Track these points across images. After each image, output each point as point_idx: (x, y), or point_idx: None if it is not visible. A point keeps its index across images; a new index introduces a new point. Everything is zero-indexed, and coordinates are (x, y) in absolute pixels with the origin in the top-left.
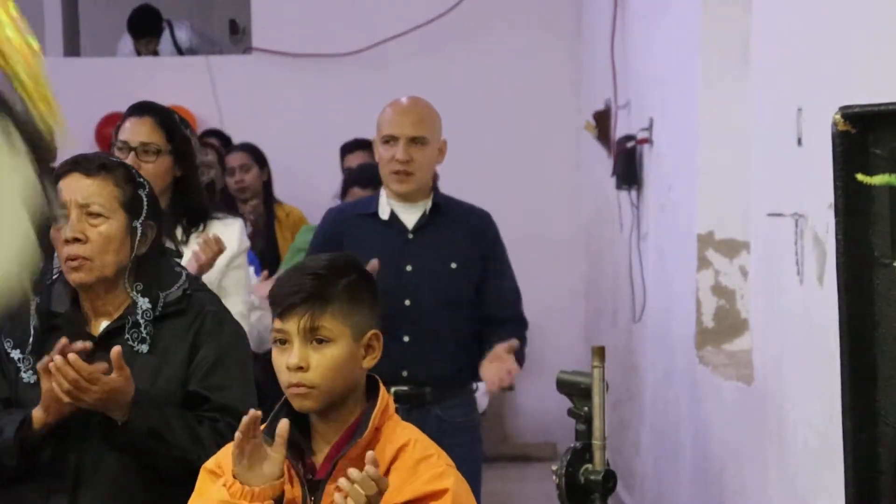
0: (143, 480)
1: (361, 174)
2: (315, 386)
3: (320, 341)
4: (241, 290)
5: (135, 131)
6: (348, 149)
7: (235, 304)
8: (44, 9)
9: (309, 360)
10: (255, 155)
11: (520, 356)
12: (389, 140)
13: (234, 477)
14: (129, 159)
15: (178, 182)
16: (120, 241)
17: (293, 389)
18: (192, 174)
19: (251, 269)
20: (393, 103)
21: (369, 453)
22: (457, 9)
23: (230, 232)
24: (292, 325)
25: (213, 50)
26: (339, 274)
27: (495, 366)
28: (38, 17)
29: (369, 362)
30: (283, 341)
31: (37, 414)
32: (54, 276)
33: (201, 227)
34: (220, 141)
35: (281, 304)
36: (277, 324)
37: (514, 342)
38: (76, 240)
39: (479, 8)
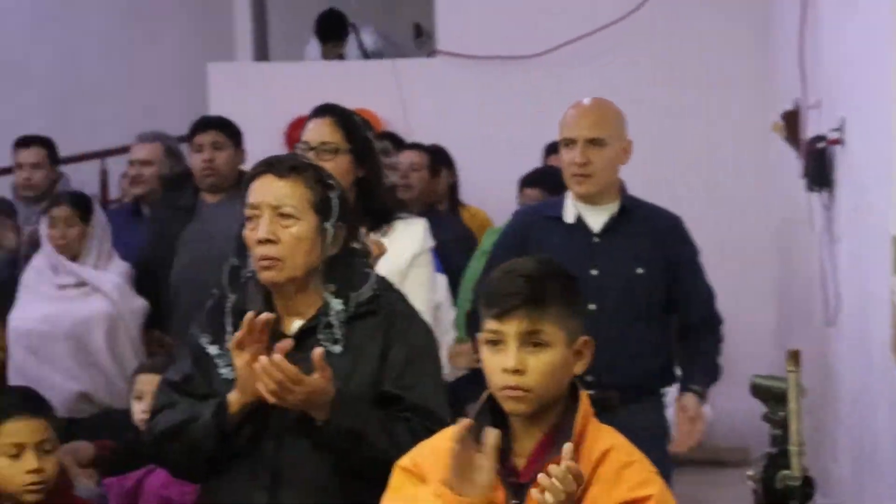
0: (341, 480)
1: (531, 175)
2: (530, 390)
3: (537, 345)
4: (423, 289)
5: (315, 132)
6: (553, 149)
7: (418, 303)
8: (234, 14)
9: (526, 363)
10: (440, 157)
11: (712, 370)
12: (568, 143)
13: (446, 485)
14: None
15: (361, 183)
16: (311, 242)
17: (508, 392)
18: (375, 175)
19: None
20: (573, 105)
21: (566, 445)
22: (641, 10)
23: (413, 231)
24: (510, 328)
25: (397, 53)
26: (553, 277)
27: (686, 429)
28: (228, 23)
29: (579, 368)
30: (496, 342)
31: (232, 397)
32: (248, 275)
33: (385, 228)
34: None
35: (498, 305)
36: (493, 325)
37: (701, 393)
38: (268, 241)
39: (663, 9)
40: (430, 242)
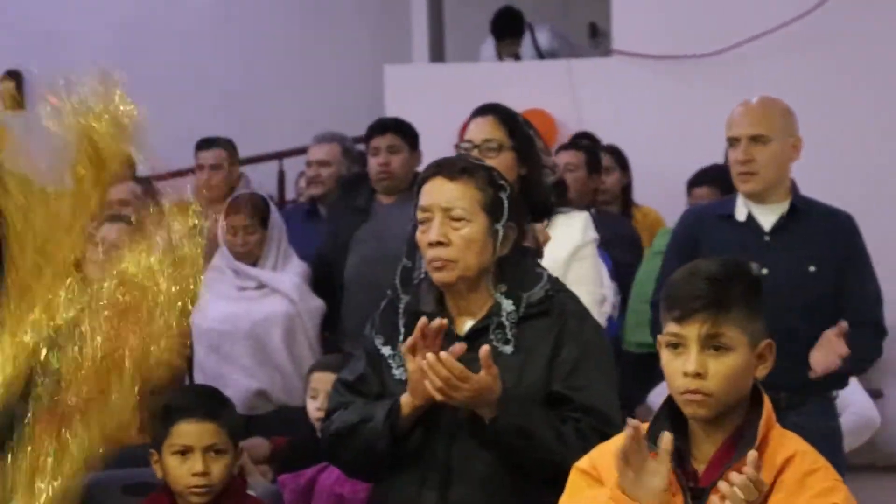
0: (511, 479)
1: (699, 175)
2: (711, 394)
3: (718, 348)
4: (587, 281)
5: (478, 130)
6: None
7: (582, 295)
8: (411, 16)
9: (707, 367)
10: (617, 157)
11: (857, 361)
12: (733, 141)
13: (620, 489)
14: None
15: (523, 180)
16: (482, 244)
17: (688, 396)
18: (537, 173)
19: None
20: (739, 104)
21: (751, 453)
22: (819, 8)
23: (573, 224)
24: (691, 331)
25: (572, 53)
26: (736, 279)
27: (823, 350)
28: (406, 24)
29: (761, 372)
30: (677, 345)
31: (405, 399)
32: (421, 276)
33: (545, 223)
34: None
35: (679, 308)
36: (673, 328)
37: (844, 324)
38: (439, 243)
39: (842, 7)
40: (593, 235)
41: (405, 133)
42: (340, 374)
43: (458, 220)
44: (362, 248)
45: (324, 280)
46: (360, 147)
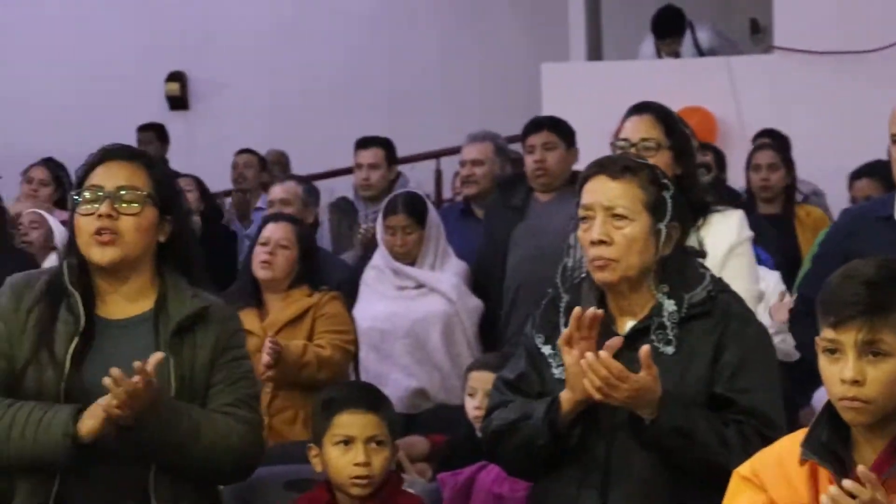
0: (671, 481)
1: (862, 168)
2: (870, 401)
3: (876, 354)
4: (743, 279)
5: (634, 128)
6: None
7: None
8: (568, 15)
9: (865, 373)
10: (783, 155)
11: None
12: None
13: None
14: None
15: (679, 179)
16: (644, 243)
17: (846, 403)
18: (692, 172)
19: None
20: None
21: (860, 468)
22: None
23: (729, 222)
24: (848, 337)
25: (732, 51)
26: (894, 282)
27: None
28: (563, 23)
29: None
30: (834, 351)
31: (564, 395)
32: (582, 275)
33: (700, 221)
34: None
35: (835, 314)
36: (829, 333)
37: None
38: (602, 242)
39: None
40: (748, 233)
41: (561, 130)
42: (501, 372)
43: (621, 218)
44: (520, 247)
45: (482, 280)
46: (517, 146)
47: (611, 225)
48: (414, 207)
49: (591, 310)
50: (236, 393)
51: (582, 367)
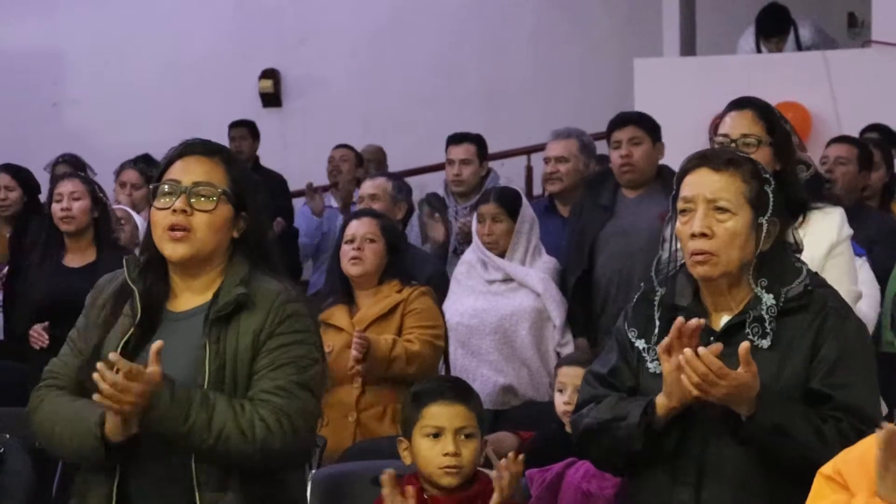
0: (767, 477)
1: None
2: None
3: None
4: (843, 279)
5: (735, 124)
6: None
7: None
8: (662, 9)
9: None
10: (885, 153)
11: None
12: None
13: (880, 497)
14: None
15: (778, 176)
16: (745, 237)
17: None
18: (792, 169)
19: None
20: None
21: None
22: None
23: (829, 220)
24: None
25: (830, 45)
26: None
27: None
28: (657, 18)
29: None
30: None
31: (660, 400)
32: (675, 269)
33: (801, 219)
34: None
35: None
36: None
37: None
38: (703, 235)
39: None
40: (847, 231)
41: (647, 125)
42: (591, 366)
43: (723, 212)
44: (610, 245)
45: (569, 277)
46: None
47: (713, 218)
48: (506, 198)
49: (694, 320)
50: (276, 380)
51: (679, 363)
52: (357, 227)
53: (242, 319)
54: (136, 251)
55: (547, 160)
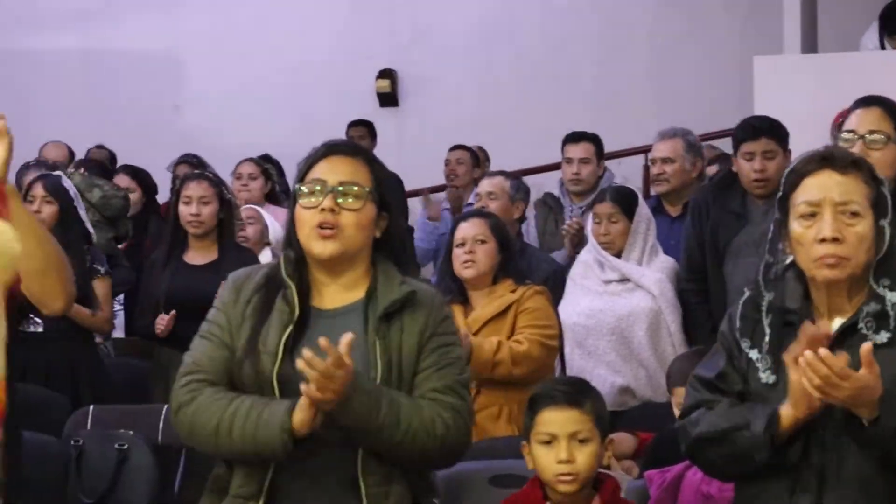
0: (890, 483)
1: None
2: None
3: None
4: None
5: (862, 120)
6: None
7: None
8: (783, 6)
9: None
10: None
11: None
12: None
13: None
14: (857, 148)
15: None
16: (871, 240)
17: None
18: None
19: None
20: None
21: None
22: None
23: None
24: None
25: None
26: None
27: None
28: (777, 15)
29: None
30: None
31: (785, 411)
32: (781, 272)
33: None
34: None
35: None
36: None
37: None
38: (834, 239)
39: None
40: None
41: (778, 135)
42: (696, 370)
43: (854, 215)
44: (741, 253)
45: (690, 278)
46: (727, 141)
47: (842, 222)
48: (622, 197)
49: (824, 329)
50: (444, 379)
51: (800, 364)
52: (466, 229)
53: (406, 318)
54: (262, 250)
55: (653, 161)
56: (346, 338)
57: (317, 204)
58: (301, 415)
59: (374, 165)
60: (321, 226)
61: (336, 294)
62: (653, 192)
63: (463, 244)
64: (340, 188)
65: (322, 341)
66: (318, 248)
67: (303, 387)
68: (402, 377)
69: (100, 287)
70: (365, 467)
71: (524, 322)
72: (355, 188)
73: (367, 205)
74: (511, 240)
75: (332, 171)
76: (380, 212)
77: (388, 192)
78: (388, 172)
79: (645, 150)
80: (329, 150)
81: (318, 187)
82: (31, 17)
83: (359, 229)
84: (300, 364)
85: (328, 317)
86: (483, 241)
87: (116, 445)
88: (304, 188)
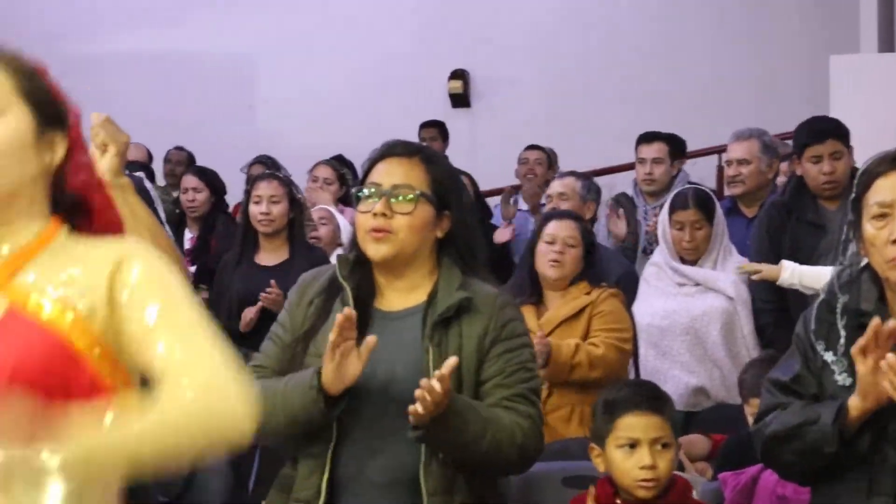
0: None
1: None
2: None
3: None
4: None
5: None
6: None
7: None
8: (859, 5)
9: None
10: None
11: None
12: None
13: None
14: None
15: None
16: None
17: None
18: None
19: None
20: None
21: None
22: None
23: None
24: None
25: None
26: None
27: None
28: (853, 13)
29: None
30: None
31: (853, 402)
32: (855, 273)
33: None
34: None
35: None
36: None
37: None
38: None
39: None
40: None
41: (843, 135)
42: (771, 373)
43: None
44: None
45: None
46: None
47: None
48: (704, 203)
49: (892, 322)
50: (514, 387)
51: (882, 369)
52: (558, 229)
53: (464, 323)
54: (334, 251)
55: (728, 163)
56: (450, 363)
57: (371, 208)
58: (325, 372)
59: (433, 164)
60: (374, 229)
61: (399, 296)
62: (728, 193)
63: (553, 242)
64: (393, 191)
65: (370, 340)
66: (372, 250)
67: (410, 408)
68: (460, 382)
69: None
70: (428, 476)
71: (599, 325)
72: (407, 191)
73: (419, 207)
74: (596, 247)
75: (387, 173)
76: (440, 212)
77: (448, 191)
78: (448, 172)
79: (718, 150)
80: (385, 152)
81: (372, 190)
82: (111, 23)
83: (412, 232)
84: (417, 393)
85: (389, 319)
86: (572, 245)
87: None
88: (361, 192)
